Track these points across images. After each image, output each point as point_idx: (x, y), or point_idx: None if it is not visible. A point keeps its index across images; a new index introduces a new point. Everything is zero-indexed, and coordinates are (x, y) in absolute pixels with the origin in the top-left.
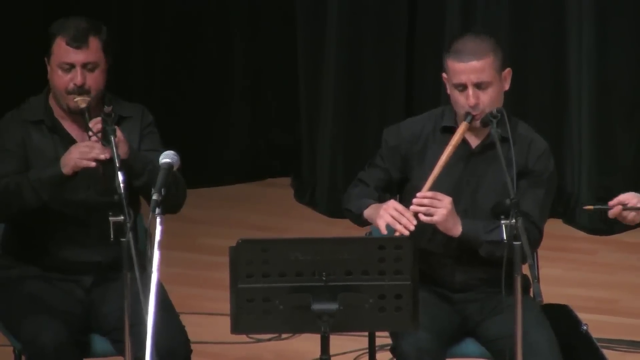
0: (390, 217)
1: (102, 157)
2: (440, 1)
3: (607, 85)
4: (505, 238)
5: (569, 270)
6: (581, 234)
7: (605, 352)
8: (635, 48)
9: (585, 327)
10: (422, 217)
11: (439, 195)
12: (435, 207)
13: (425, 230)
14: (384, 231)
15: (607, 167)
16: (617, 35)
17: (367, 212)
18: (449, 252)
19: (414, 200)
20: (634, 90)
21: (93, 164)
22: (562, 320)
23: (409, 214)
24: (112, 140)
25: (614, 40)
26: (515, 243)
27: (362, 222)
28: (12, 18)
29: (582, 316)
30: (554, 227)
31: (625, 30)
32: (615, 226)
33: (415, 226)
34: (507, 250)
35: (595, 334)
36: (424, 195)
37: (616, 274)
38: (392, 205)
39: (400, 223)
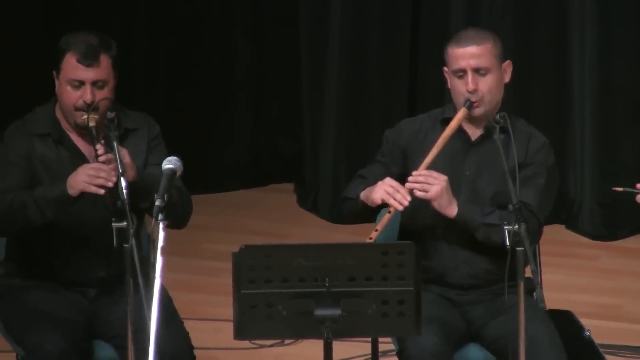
0: (384, 192)
1: (110, 184)
2: (443, 5)
3: (610, 89)
4: (508, 243)
5: (571, 276)
6: (584, 239)
7: (609, 357)
8: (638, 51)
9: (588, 333)
10: (417, 193)
11: (435, 173)
12: (430, 183)
13: (424, 209)
14: (378, 201)
15: (610, 173)
16: (620, 38)
17: (363, 194)
18: (452, 243)
19: (409, 178)
20: (637, 94)
21: (101, 191)
22: (565, 326)
23: (403, 190)
24: (115, 147)
25: (617, 44)
26: (518, 249)
27: (358, 205)
28: (12, 25)
29: (584, 322)
30: (556, 233)
31: (628, 34)
32: (618, 232)
33: (413, 205)
34: (509, 256)
35: (598, 340)
36: (419, 173)
37: (619, 280)
38: (388, 181)
39: (394, 198)
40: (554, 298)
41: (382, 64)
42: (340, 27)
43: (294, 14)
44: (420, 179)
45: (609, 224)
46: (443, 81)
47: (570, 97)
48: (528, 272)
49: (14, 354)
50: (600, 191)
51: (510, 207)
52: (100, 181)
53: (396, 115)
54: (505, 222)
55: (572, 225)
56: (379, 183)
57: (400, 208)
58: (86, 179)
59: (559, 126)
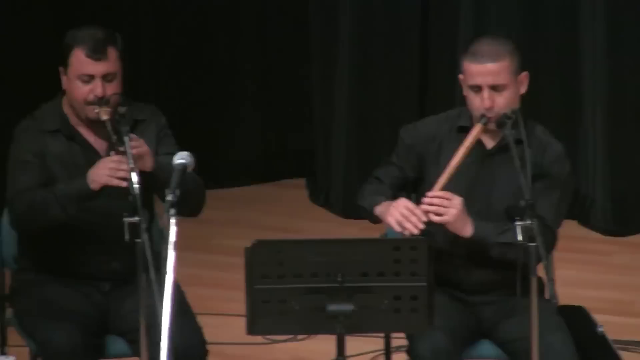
0: (399, 215)
1: None
2: (452, 4)
3: (621, 87)
4: (520, 239)
5: (584, 272)
6: (596, 235)
7: (621, 353)
8: None
9: (600, 329)
10: (433, 217)
11: (449, 195)
12: (445, 207)
13: (437, 230)
14: (397, 228)
15: (622, 169)
16: (631, 37)
17: (379, 210)
18: (464, 252)
19: (424, 200)
20: None
21: (124, 184)
22: (577, 321)
23: (418, 212)
24: (127, 141)
25: (628, 43)
26: (530, 244)
27: (374, 218)
28: (22, 22)
29: (597, 317)
30: (569, 229)
31: (639, 33)
32: (631, 228)
33: (428, 226)
34: (522, 251)
35: (610, 336)
36: (434, 195)
37: (632, 276)
38: (403, 203)
39: (409, 222)
40: (566, 294)
41: (392, 60)
42: (350, 24)
43: (304, 9)
44: (436, 201)
45: (622, 220)
46: (453, 78)
47: (581, 94)
48: (540, 272)
49: (27, 349)
50: (612, 187)
51: (522, 202)
52: (122, 174)
53: (406, 111)
54: (517, 218)
55: (585, 221)
56: (394, 204)
57: (415, 232)
58: (108, 172)
59: (570, 122)
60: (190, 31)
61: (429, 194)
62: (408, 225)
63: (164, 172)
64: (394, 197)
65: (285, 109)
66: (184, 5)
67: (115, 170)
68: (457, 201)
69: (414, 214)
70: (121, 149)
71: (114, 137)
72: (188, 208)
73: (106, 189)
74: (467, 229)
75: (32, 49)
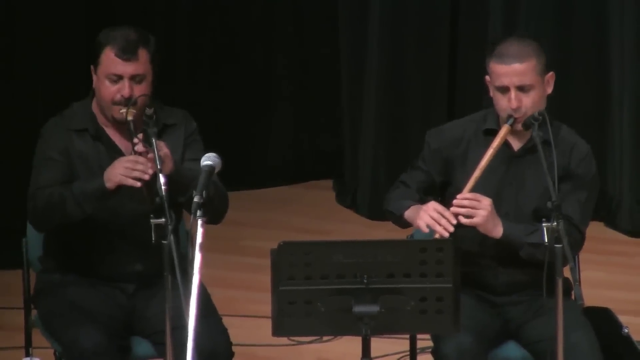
0: (430, 218)
1: (146, 177)
2: (482, 5)
3: None
4: (547, 241)
5: (610, 273)
6: (623, 236)
7: None
8: None
9: (626, 330)
10: (463, 220)
11: (479, 196)
12: (475, 208)
13: (467, 232)
14: (426, 230)
15: None
16: None
17: (408, 214)
18: (492, 253)
19: (454, 202)
20: None
21: (138, 184)
22: (603, 323)
23: (448, 214)
24: (154, 143)
25: None
26: (557, 246)
27: (403, 223)
28: (55, 25)
29: (623, 319)
30: (595, 230)
31: None
32: None
33: (459, 228)
34: (549, 252)
35: (636, 337)
36: (464, 197)
37: None
38: (432, 206)
39: (439, 224)
40: (592, 295)
41: (421, 61)
42: (379, 26)
43: (334, 14)
44: (465, 203)
45: None
46: (482, 79)
47: (609, 94)
48: (567, 273)
49: (52, 350)
50: (639, 189)
51: (549, 204)
52: (137, 174)
53: (435, 113)
54: (544, 220)
55: (611, 223)
56: (424, 208)
57: (446, 235)
58: (123, 171)
59: (598, 122)
60: (223, 33)
61: (459, 196)
62: (438, 229)
63: (183, 179)
64: (422, 201)
65: (315, 111)
66: (217, 8)
67: (130, 170)
68: (486, 202)
69: (444, 217)
70: (137, 148)
71: (135, 138)
72: (209, 216)
73: (124, 190)
74: (497, 230)
75: (64, 48)
